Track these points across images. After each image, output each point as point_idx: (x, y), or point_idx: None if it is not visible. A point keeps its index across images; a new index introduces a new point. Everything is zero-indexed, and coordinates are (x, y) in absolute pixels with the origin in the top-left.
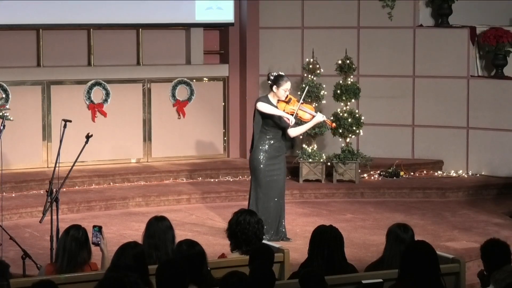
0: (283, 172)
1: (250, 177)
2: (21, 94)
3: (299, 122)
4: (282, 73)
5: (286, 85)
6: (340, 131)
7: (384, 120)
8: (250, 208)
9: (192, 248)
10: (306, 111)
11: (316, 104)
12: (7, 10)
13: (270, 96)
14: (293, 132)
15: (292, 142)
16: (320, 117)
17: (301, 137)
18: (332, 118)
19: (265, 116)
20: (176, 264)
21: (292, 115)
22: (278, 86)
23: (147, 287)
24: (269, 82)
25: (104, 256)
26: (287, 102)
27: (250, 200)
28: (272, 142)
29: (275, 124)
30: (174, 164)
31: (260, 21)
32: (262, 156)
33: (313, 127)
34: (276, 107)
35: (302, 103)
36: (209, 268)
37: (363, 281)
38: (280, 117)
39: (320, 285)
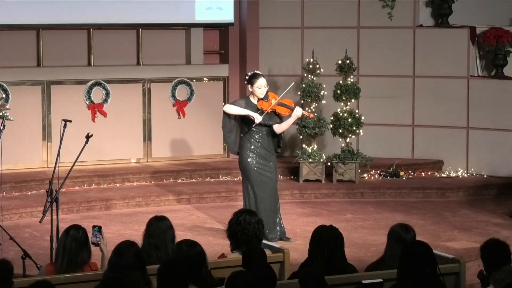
0: (274, 171)
1: (242, 178)
2: (21, 94)
3: (280, 116)
4: (258, 71)
5: (259, 82)
6: (340, 131)
7: (384, 120)
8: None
9: (192, 249)
10: (285, 106)
11: (316, 104)
12: (7, 10)
13: (251, 97)
14: (277, 129)
15: (279, 140)
16: (298, 112)
17: (300, 137)
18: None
19: (242, 118)
20: (177, 264)
21: (264, 111)
22: (252, 85)
23: (147, 286)
24: (246, 83)
25: (104, 256)
26: (265, 99)
27: (244, 201)
28: (258, 141)
29: (246, 121)
30: (174, 164)
31: (260, 21)
32: (250, 156)
33: (313, 127)
34: (256, 106)
35: (280, 99)
36: (209, 268)
37: (363, 281)
38: (247, 117)
39: (320, 285)
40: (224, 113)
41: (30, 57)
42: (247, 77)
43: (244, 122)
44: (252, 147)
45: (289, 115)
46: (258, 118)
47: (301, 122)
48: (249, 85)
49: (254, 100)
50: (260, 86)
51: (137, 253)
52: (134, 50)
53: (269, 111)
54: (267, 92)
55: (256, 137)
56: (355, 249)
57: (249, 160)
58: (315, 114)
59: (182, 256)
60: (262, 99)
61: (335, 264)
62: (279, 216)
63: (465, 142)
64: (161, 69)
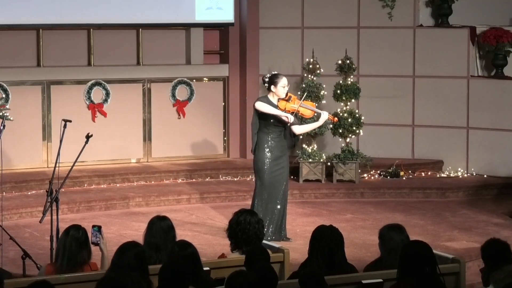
0: (286, 171)
1: (252, 178)
2: (21, 94)
3: (302, 119)
4: (275, 72)
5: (283, 81)
6: (340, 131)
7: (384, 120)
8: (254, 209)
9: (184, 250)
10: (308, 107)
11: (316, 104)
12: (7, 10)
13: (270, 96)
14: (298, 129)
15: (295, 141)
16: (326, 115)
17: (301, 137)
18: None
19: (264, 116)
20: (178, 265)
21: (293, 113)
22: (275, 85)
23: (148, 286)
24: (266, 84)
25: (103, 256)
26: (288, 100)
27: (255, 201)
28: (275, 142)
29: (276, 122)
30: (174, 164)
31: (260, 21)
32: (266, 157)
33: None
34: (277, 106)
35: (303, 101)
36: (203, 269)
37: (363, 281)
38: (279, 118)
39: (320, 285)
40: (255, 110)
41: (30, 57)
42: (266, 79)
43: (263, 121)
44: (268, 147)
45: (313, 118)
46: (291, 119)
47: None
48: (272, 86)
49: (273, 100)
50: (285, 85)
51: (139, 254)
52: (134, 50)
53: (293, 112)
54: (287, 92)
55: (272, 137)
56: (355, 249)
57: (265, 161)
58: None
59: (174, 258)
60: (284, 99)
61: (335, 264)
62: (286, 217)
63: (465, 142)
64: (161, 69)
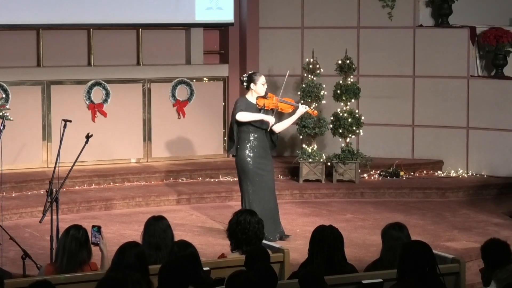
0: (271, 171)
1: (239, 179)
2: (21, 94)
3: (281, 114)
4: (252, 71)
5: (262, 79)
6: (340, 131)
7: (384, 120)
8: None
9: (183, 250)
10: (287, 103)
11: (316, 104)
12: (7, 10)
13: (248, 96)
14: (278, 127)
15: (275, 141)
16: (302, 109)
17: (300, 137)
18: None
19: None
20: (178, 265)
21: (273, 110)
22: (255, 82)
23: (148, 287)
24: (245, 84)
25: (103, 256)
26: (265, 97)
27: (244, 202)
28: (257, 141)
29: (259, 124)
30: (174, 164)
31: (260, 21)
32: (249, 157)
33: (313, 127)
34: (256, 104)
35: (282, 97)
36: (203, 269)
37: (363, 281)
38: (261, 121)
39: (320, 285)
40: (236, 120)
41: (30, 57)
42: (245, 78)
43: (242, 122)
44: (250, 146)
45: (292, 113)
46: (272, 121)
47: (301, 122)
48: (251, 84)
49: (252, 99)
50: (264, 83)
51: (139, 254)
52: (134, 50)
53: (270, 108)
54: (266, 90)
55: (254, 136)
56: (355, 249)
57: (247, 159)
58: (321, 111)
59: (174, 258)
60: (262, 97)
61: (335, 264)
62: (279, 215)
63: (465, 142)
64: (161, 69)
